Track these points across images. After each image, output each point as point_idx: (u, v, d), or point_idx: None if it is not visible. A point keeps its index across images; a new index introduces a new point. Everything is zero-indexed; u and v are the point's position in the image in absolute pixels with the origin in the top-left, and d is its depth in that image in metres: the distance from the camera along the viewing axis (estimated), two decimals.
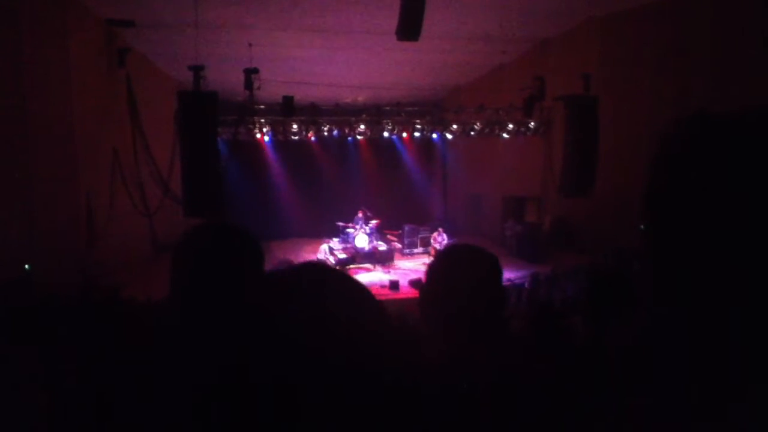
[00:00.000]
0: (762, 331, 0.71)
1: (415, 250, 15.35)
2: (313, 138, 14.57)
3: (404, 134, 14.78)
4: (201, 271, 1.47)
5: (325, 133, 14.08)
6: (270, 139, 14.44)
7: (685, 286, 0.77)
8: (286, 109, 12.93)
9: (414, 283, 11.16)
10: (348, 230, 14.87)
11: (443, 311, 1.59)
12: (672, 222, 0.79)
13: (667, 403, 0.81)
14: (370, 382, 0.70)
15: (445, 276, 1.64)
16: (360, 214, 14.96)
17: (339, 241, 14.80)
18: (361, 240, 14.32)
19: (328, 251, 13.25)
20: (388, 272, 13.29)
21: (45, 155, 8.58)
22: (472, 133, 14.22)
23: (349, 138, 15.44)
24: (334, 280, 0.80)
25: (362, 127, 14.05)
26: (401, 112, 14.37)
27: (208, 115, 9.65)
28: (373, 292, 0.82)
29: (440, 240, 14.02)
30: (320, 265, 0.84)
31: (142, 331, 1.75)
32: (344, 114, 14.25)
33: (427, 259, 13.45)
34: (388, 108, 14.41)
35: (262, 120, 13.36)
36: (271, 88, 11.94)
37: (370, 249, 14.26)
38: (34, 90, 8.21)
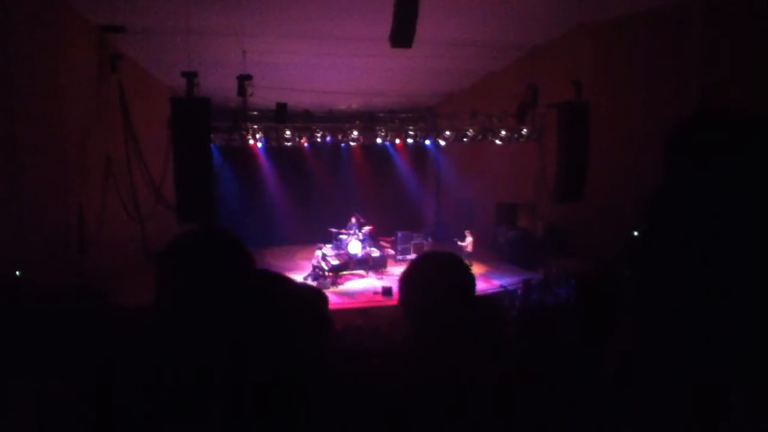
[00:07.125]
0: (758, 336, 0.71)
1: (408, 257, 15.30)
2: (306, 144, 14.56)
3: (397, 141, 14.78)
4: (188, 276, 1.47)
5: (319, 140, 14.06)
6: (263, 145, 14.40)
7: (681, 290, 0.76)
8: (280, 115, 12.91)
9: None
10: (341, 236, 14.84)
11: (419, 316, 1.61)
12: (673, 226, 0.78)
13: (658, 410, 0.81)
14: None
15: (415, 283, 1.67)
16: (353, 221, 14.95)
17: (332, 248, 14.74)
18: (354, 246, 14.30)
19: (321, 257, 13.24)
20: (381, 278, 13.28)
21: (35, 160, 8.53)
22: (464, 139, 14.25)
23: (343, 144, 15.45)
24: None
25: (355, 133, 14.04)
26: (394, 118, 14.38)
27: (201, 122, 9.64)
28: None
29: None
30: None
31: (129, 334, 1.75)
32: (337, 120, 14.24)
33: None
34: (381, 114, 14.42)
35: (255, 126, 13.32)
36: (265, 94, 11.92)
37: (363, 255, 14.25)
38: (23, 95, 8.16)
